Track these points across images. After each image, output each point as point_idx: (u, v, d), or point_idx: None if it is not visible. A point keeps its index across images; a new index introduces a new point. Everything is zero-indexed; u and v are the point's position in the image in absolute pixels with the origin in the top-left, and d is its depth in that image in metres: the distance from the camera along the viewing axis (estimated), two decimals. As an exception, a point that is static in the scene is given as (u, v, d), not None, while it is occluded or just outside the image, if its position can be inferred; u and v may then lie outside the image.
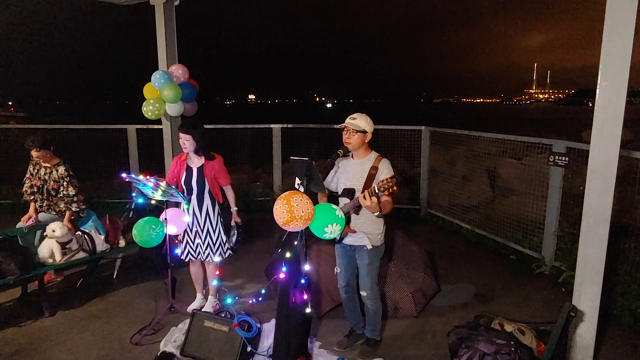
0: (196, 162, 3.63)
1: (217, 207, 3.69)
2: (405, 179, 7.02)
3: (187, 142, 3.51)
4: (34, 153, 4.11)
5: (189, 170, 3.63)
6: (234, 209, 3.76)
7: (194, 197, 3.62)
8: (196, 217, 3.64)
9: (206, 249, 3.68)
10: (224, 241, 3.73)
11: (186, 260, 3.77)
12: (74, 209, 4.22)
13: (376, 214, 2.79)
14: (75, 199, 4.24)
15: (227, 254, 3.77)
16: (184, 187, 3.63)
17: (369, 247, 2.99)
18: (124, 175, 3.40)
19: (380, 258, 3.14)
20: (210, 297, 3.91)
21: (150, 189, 3.36)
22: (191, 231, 3.67)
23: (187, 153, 3.63)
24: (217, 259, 3.71)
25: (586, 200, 2.78)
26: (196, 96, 5.22)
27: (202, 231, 3.66)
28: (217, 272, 3.80)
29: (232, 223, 3.76)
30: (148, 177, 3.30)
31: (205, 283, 3.97)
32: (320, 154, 7.14)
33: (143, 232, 3.53)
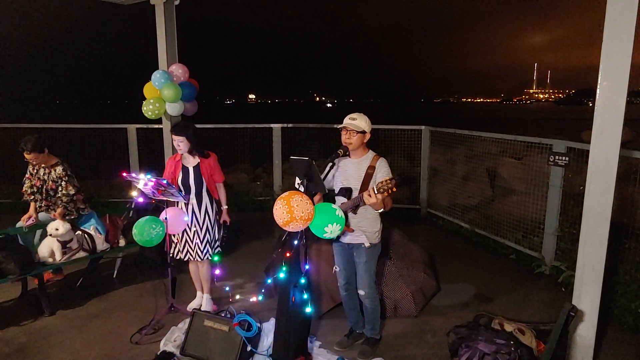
0: (192, 161, 3.67)
1: (214, 205, 3.73)
2: (405, 179, 7.02)
3: (181, 143, 3.54)
4: (26, 155, 4.07)
5: (185, 170, 3.65)
6: (224, 207, 3.80)
7: (192, 196, 3.64)
8: (196, 216, 3.66)
9: (204, 247, 3.69)
10: (217, 238, 3.78)
11: (185, 259, 3.77)
12: (69, 207, 4.22)
13: (380, 210, 2.83)
14: (74, 198, 4.23)
15: (217, 250, 3.80)
16: (181, 187, 3.65)
17: (367, 245, 3.01)
18: (124, 174, 3.40)
19: (377, 256, 3.15)
20: (205, 295, 3.91)
21: (150, 187, 3.36)
22: (190, 230, 3.67)
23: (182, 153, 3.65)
24: (214, 257, 3.75)
25: (586, 200, 2.78)
26: (196, 96, 5.22)
27: (202, 230, 3.67)
28: (217, 272, 3.82)
29: (221, 221, 3.79)
30: (147, 176, 3.29)
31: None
32: (320, 153, 7.14)
33: (143, 232, 3.53)
